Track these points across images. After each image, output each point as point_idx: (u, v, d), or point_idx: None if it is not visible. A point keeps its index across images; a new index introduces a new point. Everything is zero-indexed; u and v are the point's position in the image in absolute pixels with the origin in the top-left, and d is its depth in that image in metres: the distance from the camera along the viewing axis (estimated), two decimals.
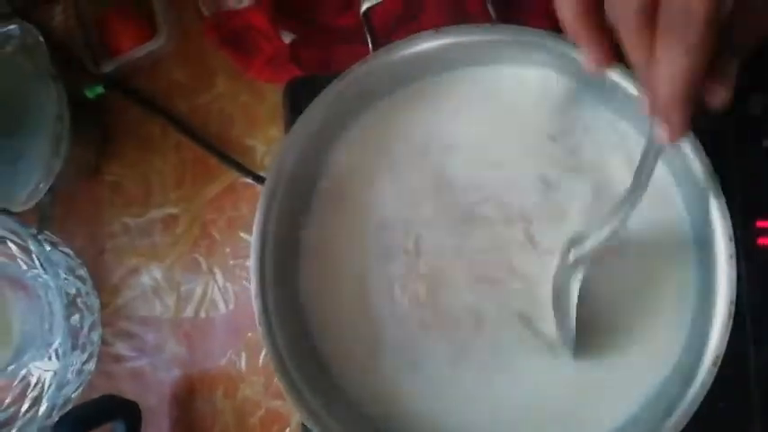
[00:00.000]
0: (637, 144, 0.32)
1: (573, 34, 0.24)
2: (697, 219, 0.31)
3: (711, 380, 0.28)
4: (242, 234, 0.50)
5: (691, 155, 0.29)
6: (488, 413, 0.34)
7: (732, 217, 0.31)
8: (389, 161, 0.37)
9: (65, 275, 0.48)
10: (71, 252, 0.51)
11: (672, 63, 0.21)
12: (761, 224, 0.35)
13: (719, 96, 0.23)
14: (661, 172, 0.32)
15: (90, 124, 0.52)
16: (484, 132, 0.36)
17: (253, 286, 0.35)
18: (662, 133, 0.23)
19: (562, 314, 0.32)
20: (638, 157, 0.28)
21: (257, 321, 0.35)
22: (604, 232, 0.30)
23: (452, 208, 0.36)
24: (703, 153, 0.29)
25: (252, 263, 0.35)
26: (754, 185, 0.36)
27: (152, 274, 0.52)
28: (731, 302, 0.28)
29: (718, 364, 0.28)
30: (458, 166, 0.36)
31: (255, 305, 0.35)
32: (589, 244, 0.31)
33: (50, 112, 0.46)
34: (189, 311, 0.51)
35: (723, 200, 0.29)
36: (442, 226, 0.36)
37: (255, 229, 0.36)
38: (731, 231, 0.28)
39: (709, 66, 0.21)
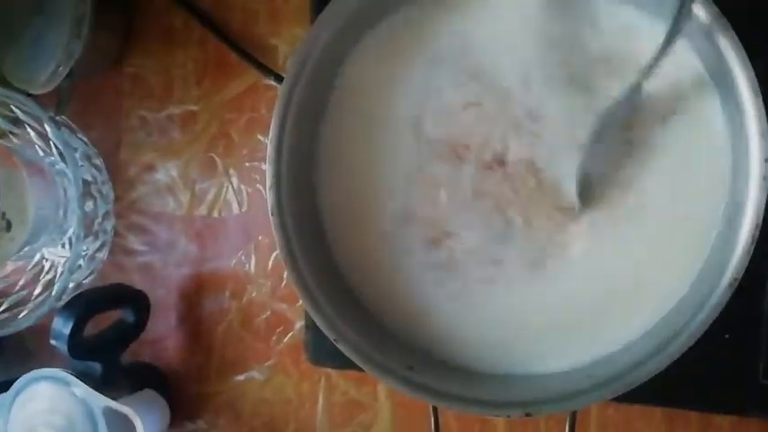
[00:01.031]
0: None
1: None
2: (736, 137, 0.30)
3: (726, 301, 0.28)
4: (260, 136, 0.49)
5: (736, 67, 0.28)
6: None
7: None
8: (413, 62, 0.36)
9: (81, 162, 0.48)
10: (88, 140, 0.51)
11: None
12: None
13: None
14: (704, 82, 0.31)
15: (113, 11, 0.51)
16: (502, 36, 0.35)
17: (268, 177, 0.35)
18: None
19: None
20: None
21: (270, 211, 0.34)
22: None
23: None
24: (750, 67, 0.27)
25: (268, 153, 0.35)
26: None
27: (167, 171, 0.52)
28: (756, 226, 0.27)
29: (735, 286, 0.28)
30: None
31: (269, 196, 0.35)
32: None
33: None
34: (202, 210, 0.51)
35: (764, 119, 0.27)
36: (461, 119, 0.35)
37: (273, 122, 0.35)
38: (767, 152, 0.27)
39: None
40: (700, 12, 0.29)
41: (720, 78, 0.30)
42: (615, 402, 0.41)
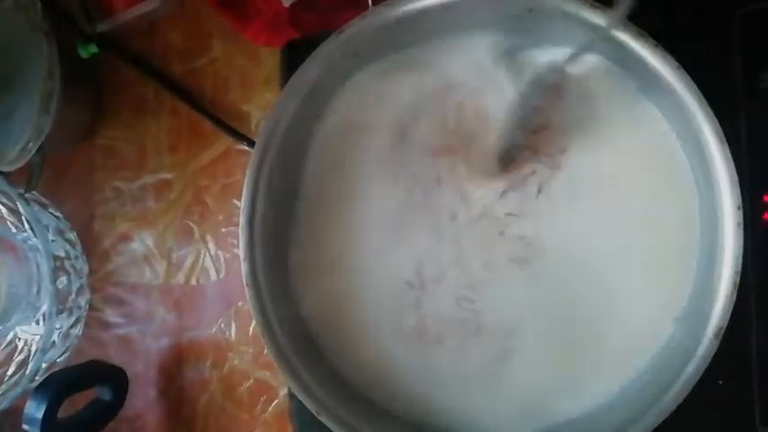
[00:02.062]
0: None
1: None
2: (704, 186, 0.30)
3: (713, 352, 0.27)
4: (235, 201, 0.49)
5: (701, 118, 0.28)
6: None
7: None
8: (381, 120, 0.36)
9: (53, 237, 0.47)
10: (60, 215, 0.50)
11: None
12: None
13: None
14: (670, 137, 0.31)
15: (83, 85, 0.51)
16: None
17: (241, 247, 0.34)
18: None
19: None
20: None
21: (244, 281, 0.33)
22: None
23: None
24: (713, 117, 0.28)
25: (241, 222, 0.34)
26: (762, 159, 0.34)
27: (143, 240, 0.51)
28: (736, 273, 0.27)
29: (720, 336, 0.27)
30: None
31: (243, 267, 0.34)
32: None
33: (41, 69, 0.45)
34: (179, 278, 0.50)
35: (733, 167, 0.27)
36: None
37: (246, 189, 0.35)
38: (740, 200, 0.27)
39: None
40: (652, 59, 0.29)
41: (681, 123, 0.30)
42: None
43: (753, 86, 0.34)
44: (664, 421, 0.29)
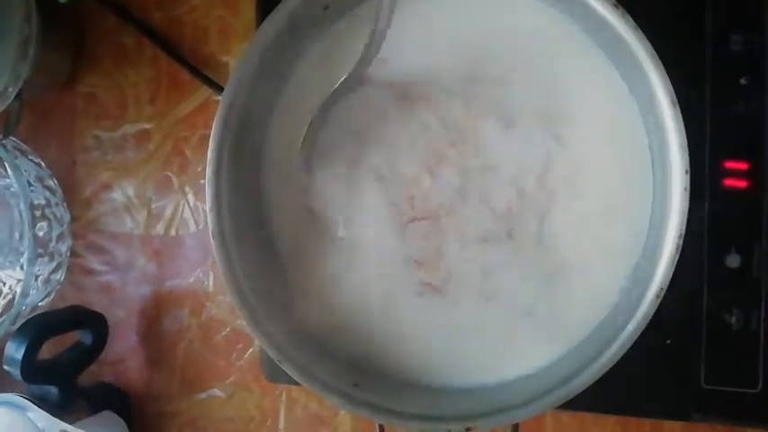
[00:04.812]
0: None
1: None
2: (657, 148, 0.30)
3: (652, 312, 0.28)
4: None
5: (654, 79, 0.28)
6: None
7: (700, 155, 0.30)
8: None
9: (33, 184, 0.48)
10: (41, 162, 0.50)
11: None
12: (729, 165, 0.34)
13: None
14: (625, 95, 0.31)
15: (63, 31, 0.50)
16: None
17: (207, 198, 0.35)
18: None
19: None
20: None
21: (210, 234, 0.34)
22: None
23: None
24: (666, 77, 0.28)
25: (207, 173, 0.35)
26: (725, 125, 0.35)
27: (124, 190, 0.52)
28: (680, 236, 0.27)
29: (661, 296, 0.28)
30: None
31: (209, 218, 0.35)
32: None
33: (17, 14, 0.45)
34: (159, 228, 0.51)
35: (683, 131, 0.28)
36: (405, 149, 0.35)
37: (212, 140, 0.35)
38: (687, 164, 0.27)
39: None
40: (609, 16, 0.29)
41: (636, 84, 0.30)
42: (570, 410, 0.41)
43: (722, 48, 0.34)
44: (610, 379, 0.30)
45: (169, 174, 0.50)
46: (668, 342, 0.34)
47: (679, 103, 0.28)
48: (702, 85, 0.34)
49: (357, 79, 0.33)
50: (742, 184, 0.33)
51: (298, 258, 0.37)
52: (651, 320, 0.29)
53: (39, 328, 0.44)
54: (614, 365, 0.30)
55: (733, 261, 0.33)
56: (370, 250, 0.35)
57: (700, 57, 0.34)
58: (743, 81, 0.33)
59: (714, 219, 0.33)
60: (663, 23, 0.30)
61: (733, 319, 0.34)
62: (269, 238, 0.38)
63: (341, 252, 0.36)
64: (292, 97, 0.37)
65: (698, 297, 0.34)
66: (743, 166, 0.34)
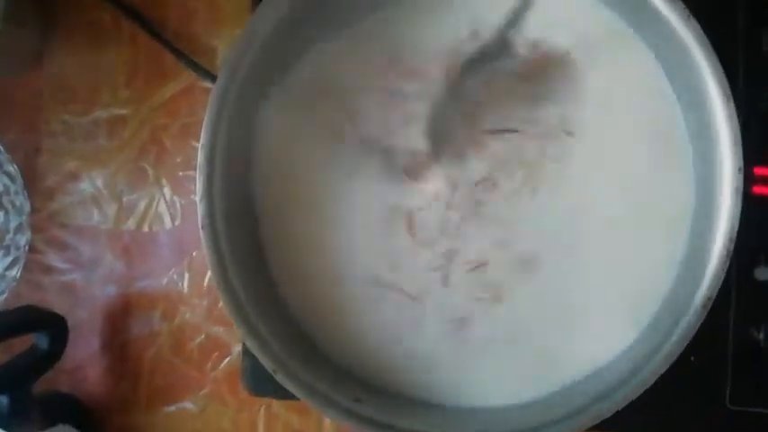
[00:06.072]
0: None
1: None
2: (703, 147, 0.28)
3: (699, 323, 0.26)
4: (195, 143, 0.44)
5: (706, 72, 0.26)
6: None
7: None
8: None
9: None
10: (0, 146, 0.45)
11: None
12: (758, 171, 0.32)
13: None
14: (670, 97, 0.29)
15: (31, 5, 0.46)
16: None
17: (198, 186, 0.31)
18: None
19: None
20: None
21: (200, 224, 0.30)
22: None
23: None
24: (721, 71, 0.26)
25: (200, 159, 0.31)
26: (755, 130, 0.33)
27: (93, 181, 0.47)
28: (731, 240, 0.25)
29: (709, 306, 0.26)
30: None
31: (200, 208, 0.31)
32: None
33: None
34: (130, 224, 0.47)
35: (737, 125, 0.26)
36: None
37: (205, 127, 0.32)
38: (741, 162, 0.25)
39: None
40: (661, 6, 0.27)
41: (682, 75, 0.28)
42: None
43: (754, 51, 0.33)
44: None
45: (144, 164, 0.46)
46: (692, 359, 0.32)
47: None
48: (733, 89, 0.32)
49: (501, 46, 0.30)
50: None
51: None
52: None
53: None
54: None
55: (763, 274, 0.32)
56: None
57: (732, 59, 0.32)
58: None
59: (742, 228, 0.32)
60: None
61: (761, 336, 0.32)
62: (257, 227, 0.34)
63: None
64: (295, 81, 0.34)
65: (724, 312, 0.32)
66: None
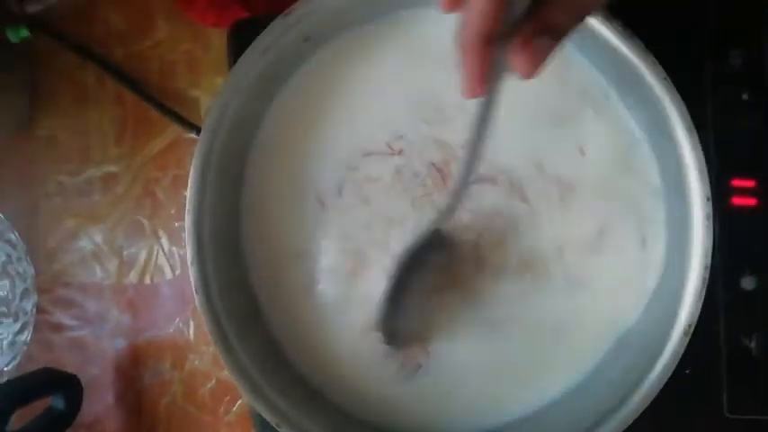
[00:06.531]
0: None
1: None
2: (670, 173, 0.28)
3: (682, 350, 0.26)
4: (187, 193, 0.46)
5: (669, 105, 0.26)
6: None
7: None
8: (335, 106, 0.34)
9: None
10: (0, 214, 0.47)
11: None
12: (736, 183, 0.33)
13: (524, 68, 0.22)
14: (630, 121, 0.29)
15: (17, 71, 0.47)
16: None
17: (189, 250, 0.32)
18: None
19: None
20: None
21: (194, 289, 0.31)
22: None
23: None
24: (682, 104, 0.26)
25: (187, 223, 0.32)
26: (730, 142, 0.33)
27: (91, 238, 0.48)
28: (705, 268, 0.26)
29: (690, 333, 0.26)
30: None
31: (192, 272, 0.32)
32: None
33: None
34: (132, 277, 0.47)
35: (702, 156, 0.26)
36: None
37: (191, 186, 0.33)
38: (708, 190, 0.26)
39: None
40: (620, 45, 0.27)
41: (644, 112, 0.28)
42: None
43: (722, 64, 0.33)
44: None
45: (140, 218, 0.47)
46: (687, 372, 0.32)
47: None
48: (704, 102, 0.32)
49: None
50: (751, 201, 0.32)
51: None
52: None
53: (5, 399, 0.40)
54: None
55: (749, 283, 0.32)
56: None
57: (700, 73, 0.33)
58: (744, 96, 0.32)
59: (725, 240, 0.32)
60: (662, 41, 0.29)
61: (753, 344, 0.32)
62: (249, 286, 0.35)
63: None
64: (274, 128, 0.34)
65: (715, 323, 0.32)
66: (750, 183, 0.32)
